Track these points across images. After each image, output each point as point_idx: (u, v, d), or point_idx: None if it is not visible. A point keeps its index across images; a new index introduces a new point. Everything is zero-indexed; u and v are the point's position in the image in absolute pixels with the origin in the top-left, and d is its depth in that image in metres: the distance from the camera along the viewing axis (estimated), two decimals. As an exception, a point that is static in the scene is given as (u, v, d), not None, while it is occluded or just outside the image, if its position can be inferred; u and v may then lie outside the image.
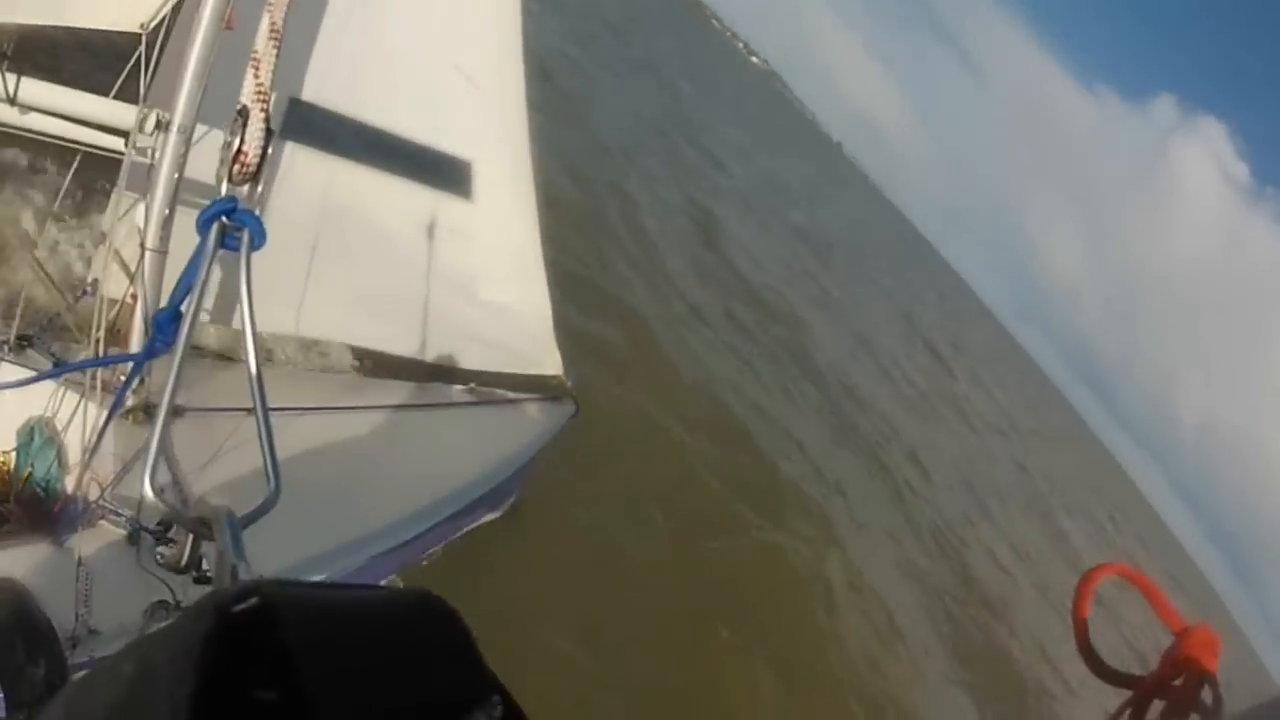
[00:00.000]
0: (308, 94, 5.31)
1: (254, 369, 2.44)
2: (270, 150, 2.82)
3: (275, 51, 3.19)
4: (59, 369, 4.19)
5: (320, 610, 0.70)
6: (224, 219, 2.49)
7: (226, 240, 2.51)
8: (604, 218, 16.21)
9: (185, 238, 3.96)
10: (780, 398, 15.83)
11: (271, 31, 3.31)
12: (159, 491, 3.56)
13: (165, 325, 3.29)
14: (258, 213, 2.51)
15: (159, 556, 2.13)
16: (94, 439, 3.91)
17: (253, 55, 3.25)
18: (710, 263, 19.39)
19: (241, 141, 2.72)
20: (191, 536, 2.09)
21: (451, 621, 0.75)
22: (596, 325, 11.92)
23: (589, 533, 8.45)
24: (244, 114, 2.95)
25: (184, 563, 2.13)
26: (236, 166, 2.70)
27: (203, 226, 2.48)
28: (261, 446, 2.37)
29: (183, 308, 3.12)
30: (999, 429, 33.02)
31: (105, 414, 3.95)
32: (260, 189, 2.79)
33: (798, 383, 17.20)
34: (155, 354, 3.53)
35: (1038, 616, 17.23)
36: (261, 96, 3.01)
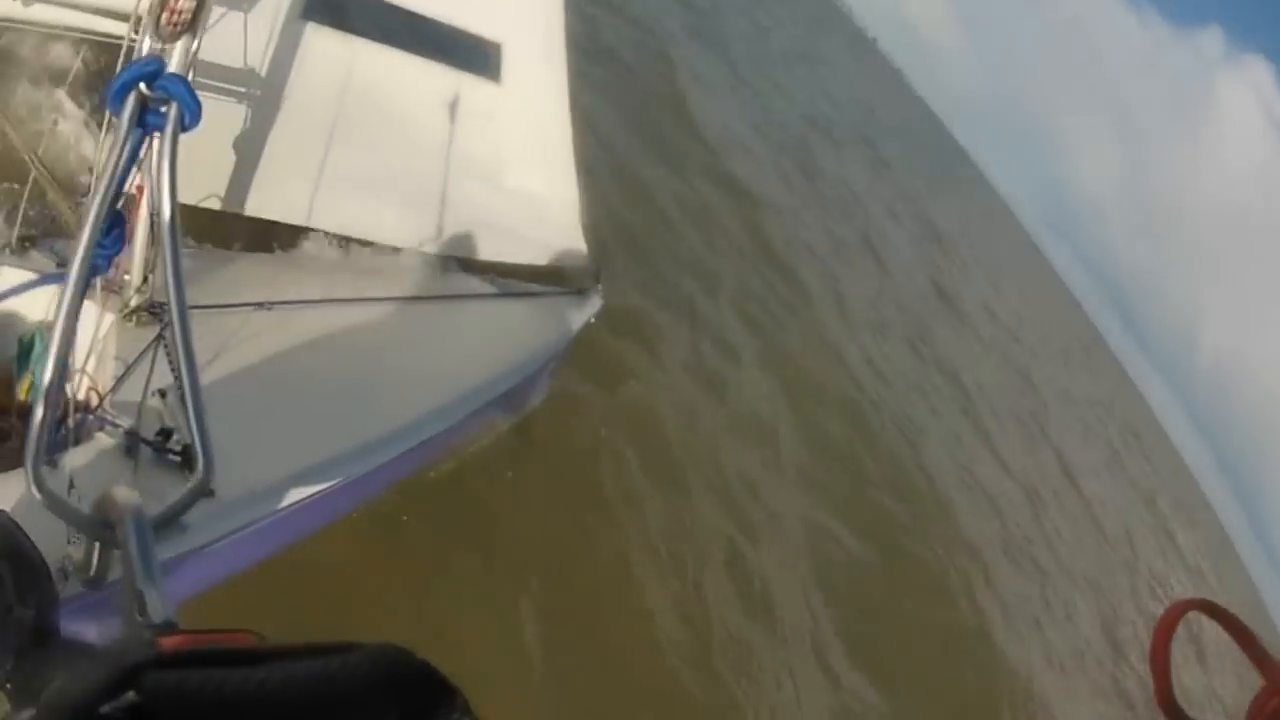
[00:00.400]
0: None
1: (172, 278, 1.96)
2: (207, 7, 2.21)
3: None
4: (52, 276, 3.91)
5: (216, 708, 0.55)
6: (143, 87, 1.93)
7: (148, 117, 1.98)
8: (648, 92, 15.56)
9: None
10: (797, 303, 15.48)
11: None
12: (161, 396, 3.33)
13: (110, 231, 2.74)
14: (191, 79, 1.91)
15: (67, 562, 1.75)
16: (95, 343, 3.67)
17: None
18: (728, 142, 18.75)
19: None
20: (96, 545, 1.72)
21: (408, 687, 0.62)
22: (629, 214, 11.52)
23: (594, 461, 7.71)
24: None
25: (92, 574, 1.74)
26: (166, 15, 2.05)
27: (114, 98, 1.92)
28: (188, 417, 1.89)
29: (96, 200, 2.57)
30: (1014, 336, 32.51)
31: (107, 316, 3.73)
32: (196, 46, 2.13)
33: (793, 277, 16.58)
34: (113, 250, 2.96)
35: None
36: None
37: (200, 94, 3.43)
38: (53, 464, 2.94)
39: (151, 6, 2.06)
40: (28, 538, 1.93)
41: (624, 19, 18.51)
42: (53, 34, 3.73)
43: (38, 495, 1.62)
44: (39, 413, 2.25)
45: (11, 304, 3.96)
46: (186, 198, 4.59)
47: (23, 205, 4.17)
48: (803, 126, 26.76)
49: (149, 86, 1.91)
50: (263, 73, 4.98)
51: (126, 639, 1.19)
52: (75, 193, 4.25)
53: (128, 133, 1.85)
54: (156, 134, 1.96)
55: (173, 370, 2.93)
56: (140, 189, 3.66)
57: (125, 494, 1.50)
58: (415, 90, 5.39)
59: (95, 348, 3.63)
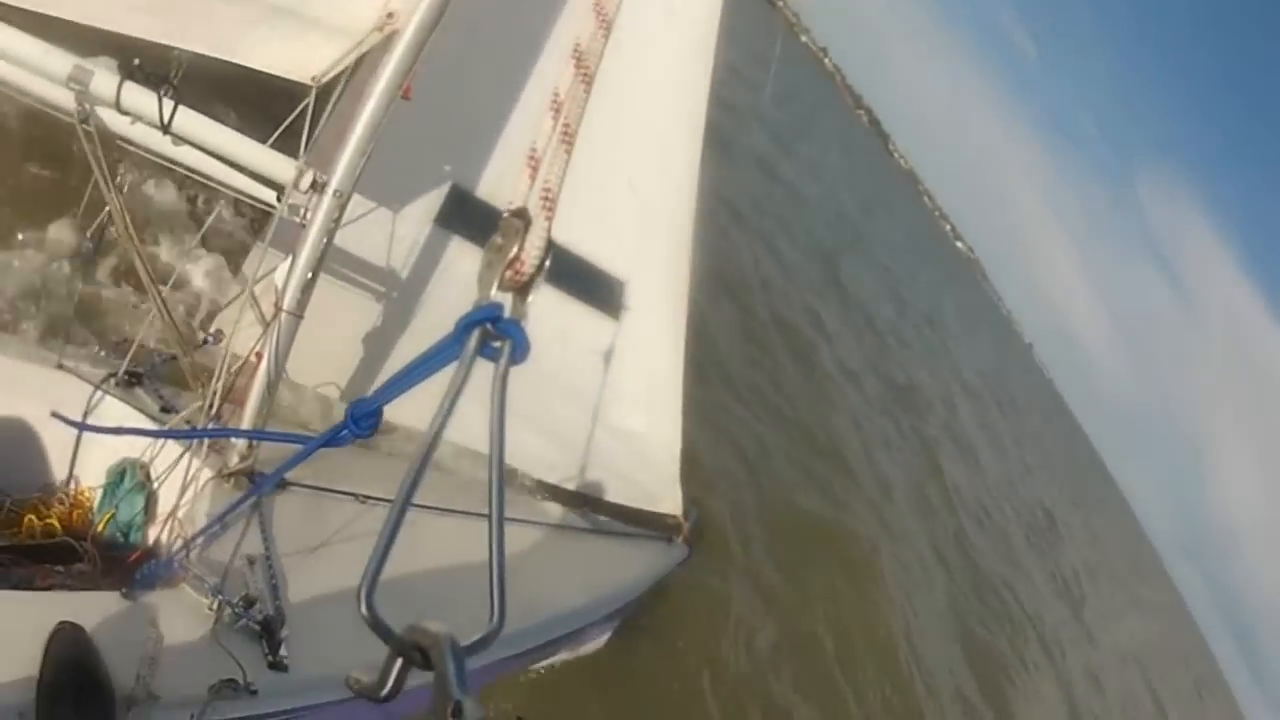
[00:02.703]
0: (472, 183, 5.27)
1: (496, 488, 2.16)
2: (548, 263, 2.50)
3: (566, 156, 2.90)
4: (181, 432, 4.01)
5: None
6: (488, 326, 2.25)
7: (484, 349, 2.26)
8: (773, 374, 15.80)
9: (321, 304, 3.99)
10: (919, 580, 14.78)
11: (563, 133, 3.02)
12: (249, 563, 3.51)
13: (362, 419, 3.02)
14: (524, 325, 2.23)
15: (353, 683, 1.93)
16: (189, 496, 3.77)
17: (531, 154, 2.97)
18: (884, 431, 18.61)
19: (520, 249, 2.45)
20: (400, 661, 1.87)
21: None
22: (732, 467, 11.39)
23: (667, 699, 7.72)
24: (524, 217, 2.60)
25: (387, 690, 1.88)
26: (509, 273, 2.43)
27: (462, 330, 2.26)
28: (490, 571, 2.06)
29: (386, 405, 2.94)
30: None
31: (205, 472, 3.82)
32: (528, 300, 2.46)
33: (931, 571, 16.01)
34: (337, 443, 3.24)
35: None
36: (548, 202, 2.74)
37: (336, 282, 3.64)
38: (132, 596, 3.10)
39: (493, 263, 2.40)
40: (102, 661, 1.88)
41: (760, 283, 18.97)
42: (201, 181, 3.96)
43: (365, 612, 1.73)
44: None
45: (110, 439, 4.05)
46: (305, 380, 4.80)
47: (137, 340, 4.32)
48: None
49: (493, 325, 2.24)
50: (391, 287, 5.15)
51: None
52: (191, 342, 4.39)
53: (472, 361, 2.15)
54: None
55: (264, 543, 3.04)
56: (259, 355, 3.92)
57: (437, 625, 1.66)
58: (539, 316, 5.50)
59: (190, 501, 3.73)
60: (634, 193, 5.69)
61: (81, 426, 4.05)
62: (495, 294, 2.41)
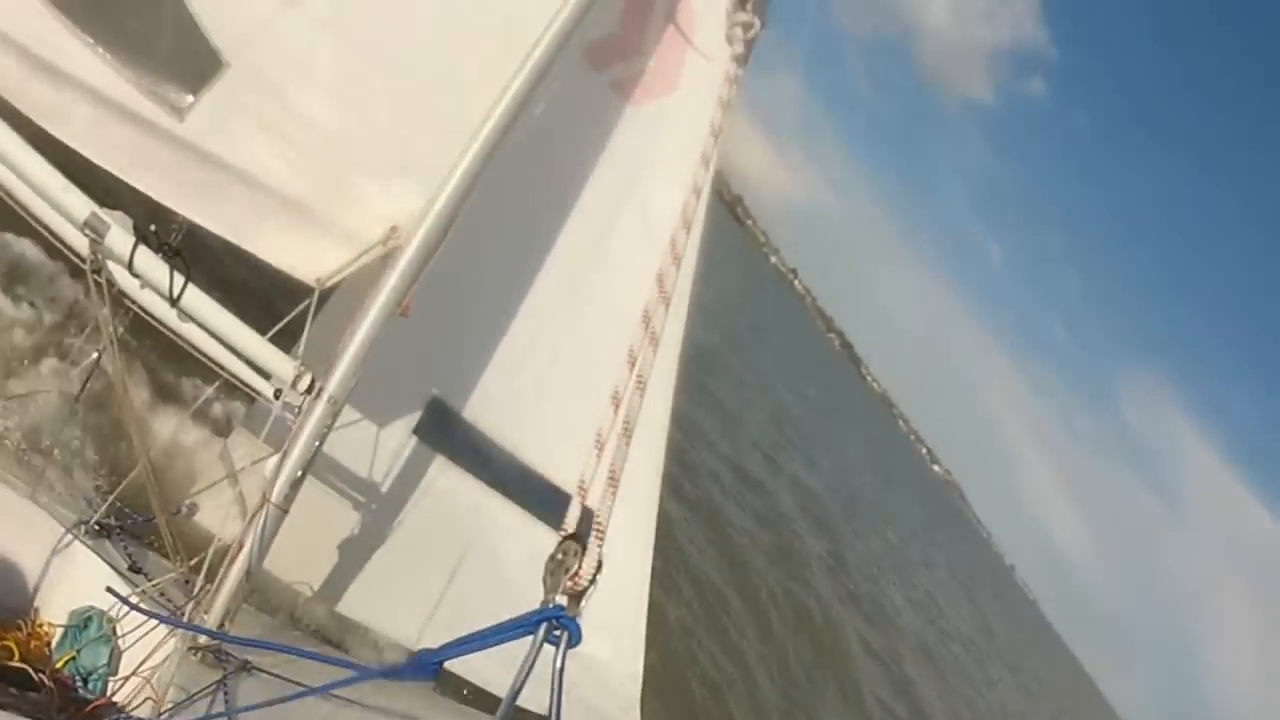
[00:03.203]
0: (458, 402, 5.34)
1: None
2: (600, 574, 2.81)
3: (612, 498, 3.07)
4: (229, 637, 3.96)
5: None
6: (553, 621, 2.63)
7: (549, 637, 2.62)
8: (734, 604, 15.45)
9: (306, 502, 4.03)
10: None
11: (610, 479, 3.18)
12: None
13: (426, 665, 3.06)
14: (579, 621, 2.61)
15: None
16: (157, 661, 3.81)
17: (579, 485, 3.22)
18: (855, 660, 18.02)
19: (579, 568, 2.79)
20: None
21: None
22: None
23: None
24: (581, 540, 2.91)
25: None
26: (569, 583, 2.78)
27: (534, 622, 2.63)
28: None
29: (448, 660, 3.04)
30: None
31: (172, 642, 3.85)
32: (584, 601, 2.76)
33: None
34: (395, 677, 3.42)
35: None
36: (600, 533, 2.94)
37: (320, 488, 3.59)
38: None
39: (554, 570, 2.71)
40: None
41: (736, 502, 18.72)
42: (199, 357, 4.04)
43: None
44: None
45: (80, 575, 4.10)
46: (281, 573, 4.71)
47: (114, 495, 4.37)
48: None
49: (556, 621, 2.60)
50: (365, 491, 5.17)
51: None
52: (169, 508, 4.40)
53: (538, 650, 2.49)
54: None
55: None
56: (241, 544, 3.93)
57: None
58: (505, 537, 5.48)
59: (158, 666, 3.77)
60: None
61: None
62: (558, 598, 2.75)
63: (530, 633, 2.61)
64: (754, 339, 40.75)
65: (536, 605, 5.75)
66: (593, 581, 2.82)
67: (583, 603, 2.77)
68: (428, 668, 3.04)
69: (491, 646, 2.82)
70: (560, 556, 2.87)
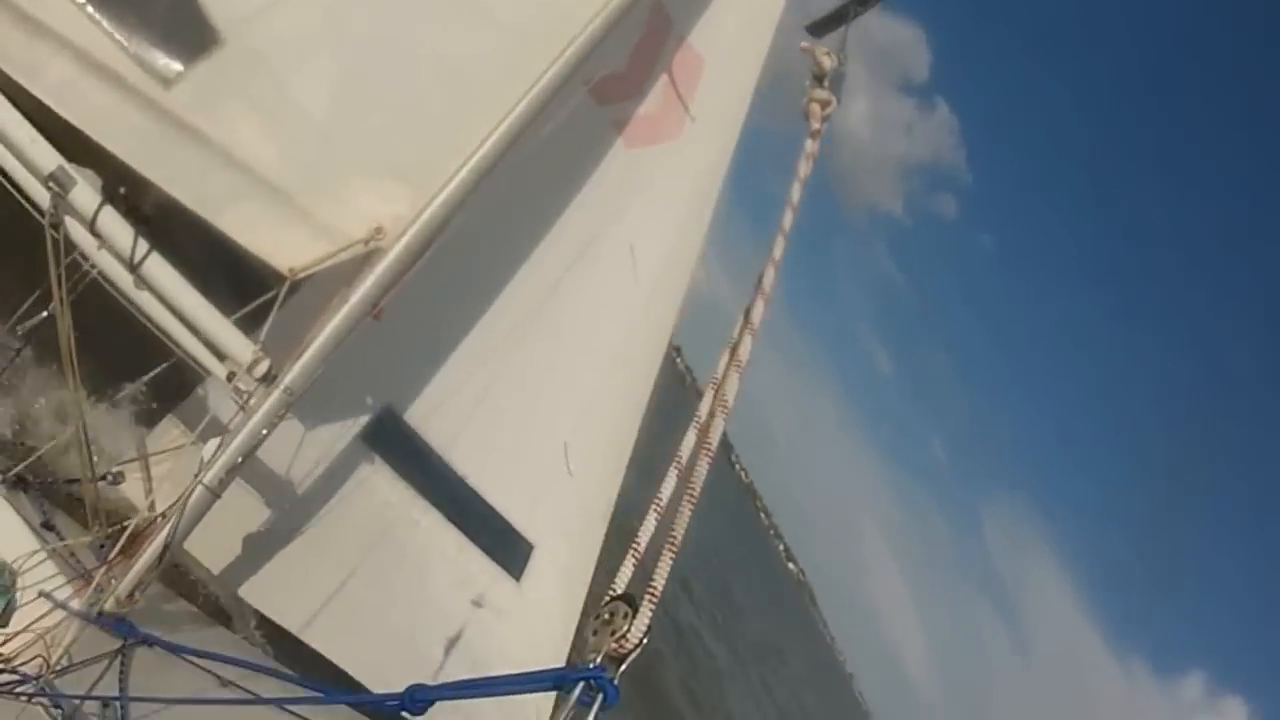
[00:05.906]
0: (411, 413, 5.22)
1: None
2: (645, 642, 2.71)
3: (670, 561, 2.97)
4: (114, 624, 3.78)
5: None
6: (591, 682, 2.54)
7: (581, 696, 2.54)
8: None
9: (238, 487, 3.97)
10: None
11: (667, 542, 3.06)
12: (103, 706, 3.42)
13: (419, 700, 2.89)
14: (616, 682, 2.51)
15: None
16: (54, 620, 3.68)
17: (634, 544, 3.08)
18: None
19: (627, 628, 2.69)
20: None
21: None
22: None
23: None
24: (632, 603, 2.82)
25: None
26: (614, 645, 2.69)
27: (571, 679, 2.54)
28: None
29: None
30: None
31: (75, 603, 3.75)
32: (625, 666, 2.67)
33: None
34: (385, 708, 3.07)
35: None
36: (652, 595, 2.86)
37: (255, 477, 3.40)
38: None
39: (599, 630, 2.64)
40: None
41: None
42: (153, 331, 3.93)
43: None
44: None
45: None
46: (196, 550, 4.53)
47: (42, 450, 4.31)
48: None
49: (594, 681, 2.53)
50: (300, 486, 5.02)
51: None
52: (97, 476, 4.26)
53: (573, 706, 2.40)
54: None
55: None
56: (165, 518, 3.82)
57: None
58: (441, 558, 5.35)
59: (55, 625, 3.63)
60: (563, 461, 5.72)
61: None
62: (599, 660, 2.69)
63: (556, 688, 2.54)
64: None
65: (454, 628, 5.64)
66: (639, 646, 2.74)
67: (623, 667, 2.70)
68: (414, 704, 2.90)
69: (500, 695, 2.75)
70: (607, 617, 2.79)
